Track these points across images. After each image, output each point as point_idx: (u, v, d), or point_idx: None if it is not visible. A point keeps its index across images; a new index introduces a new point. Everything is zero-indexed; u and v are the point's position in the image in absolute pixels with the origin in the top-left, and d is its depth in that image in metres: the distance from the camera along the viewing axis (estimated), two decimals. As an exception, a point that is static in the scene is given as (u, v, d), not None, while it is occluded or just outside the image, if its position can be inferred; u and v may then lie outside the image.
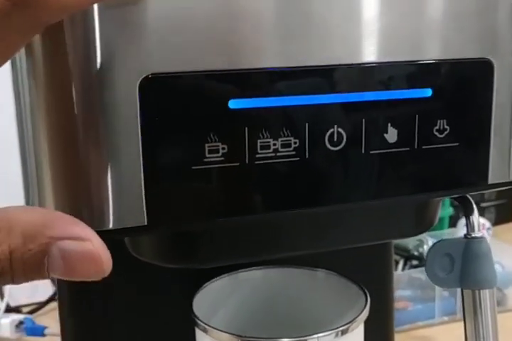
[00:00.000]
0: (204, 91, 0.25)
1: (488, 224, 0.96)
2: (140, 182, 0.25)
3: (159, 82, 0.24)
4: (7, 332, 0.61)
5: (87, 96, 0.24)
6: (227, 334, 0.33)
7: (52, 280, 0.73)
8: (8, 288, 0.68)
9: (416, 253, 0.80)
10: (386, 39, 0.28)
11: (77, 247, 0.18)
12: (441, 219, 0.96)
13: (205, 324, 0.34)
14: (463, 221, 0.99)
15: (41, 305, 0.71)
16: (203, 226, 0.27)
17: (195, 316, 0.35)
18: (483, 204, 1.09)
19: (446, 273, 0.36)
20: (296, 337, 0.33)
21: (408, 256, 0.80)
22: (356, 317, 0.34)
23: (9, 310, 0.67)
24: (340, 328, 0.34)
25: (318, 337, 0.33)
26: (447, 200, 0.98)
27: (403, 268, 0.79)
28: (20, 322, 0.62)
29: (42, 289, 0.73)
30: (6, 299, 0.66)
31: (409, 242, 0.81)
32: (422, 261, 0.79)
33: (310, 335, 0.33)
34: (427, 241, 0.82)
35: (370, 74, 0.28)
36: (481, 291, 0.35)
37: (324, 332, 0.33)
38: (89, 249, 0.18)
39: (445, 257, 0.36)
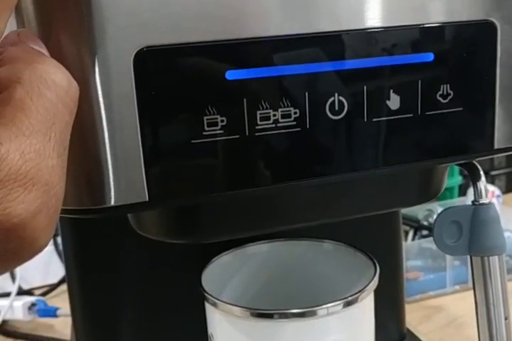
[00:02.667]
0: (200, 63, 0.25)
1: (498, 191, 0.95)
2: (139, 158, 0.24)
3: (154, 54, 0.24)
4: (20, 314, 0.61)
5: (81, 73, 0.24)
6: (237, 308, 0.33)
7: (63, 262, 0.74)
8: (19, 271, 0.68)
9: (425, 223, 0.80)
10: (387, 3, 0.27)
11: None
12: (450, 188, 0.95)
13: (215, 298, 0.34)
14: (472, 190, 0.98)
15: (53, 287, 0.71)
16: (204, 201, 0.27)
17: (204, 290, 0.35)
18: (493, 173, 1.08)
19: (454, 241, 0.35)
20: (306, 307, 0.33)
21: (418, 227, 0.79)
22: (365, 287, 0.34)
23: (21, 292, 0.67)
24: (350, 298, 0.34)
25: (327, 308, 0.33)
26: (456, 169, 0.97)
27: (413, 239, 0.78)
28: (33, 304, 0.62)
29: (53, 271, 0.73)
30: (17, 282, 0.66)
31: (419, 212, 0.81)
32: (431, 231, 0.78)
33: (319, 306, 0.33)
34: (437, 211, 0.82)
35: (370, 39, 0.27)
36: (490, 258, 0.35)
37: (334, 302, 0.33)
38: None
39: (453, 225, 0.35)
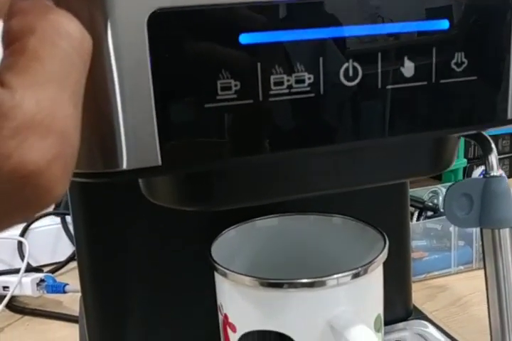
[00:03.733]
0: (214, 25, 0.24)
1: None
2: (152, 122, 0.24)
3: (168, 17, 0.23)
4: (28, 290, 0.62)
5: (93, 36, 0.23)
6: (247, 277, 0.33)
7: (72, 240, 0.74)
8: (28, 249, 0.68)
9: (430, 204, 0.80)
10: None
11: None
12: (455, 170, 0.95)
13: (225, 268, 0.34)
14: (477, 172, 0.98)
15: (61, 265, 0.72)
16: (217, 166, 0.27)
17: (214, 261, 0.35)
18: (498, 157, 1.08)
19: (465, 213, 0.35)
20: (315, 277, 0.33)
21: (423, 207, 0.79)
22: (375, 258, 0.34)
23: (30, 269, 0.68)
24: (360, 269, 0.34)
25: (337, 278, 0.33)
26: (461, 151, 0.97)
27: (418, 219, 0.78)
28: (41, 280, 0.62)
29: (62, 249, 0.74)
30: (26, 258, 0.67)
31: (424, 193, 0.81)
32: (436, 212, 0.79)
33: (329, 276, 0.33)
34: (442, 193, 0.82)
35: (386, 5, 0.27)
36: (501, 230, 0.35)
37: (343, 273, 0.33)
38: None
39: (463, 197, 0.35)
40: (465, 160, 0.97)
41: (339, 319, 0.33)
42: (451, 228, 0.70)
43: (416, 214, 0.80)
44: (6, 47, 0.17)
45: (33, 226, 0.74)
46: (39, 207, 0.16)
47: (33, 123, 0.15)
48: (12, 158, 0.15)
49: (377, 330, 0.37)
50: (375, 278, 0.36)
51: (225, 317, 0.37)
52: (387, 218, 0.46)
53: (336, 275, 0.33)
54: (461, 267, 0.72)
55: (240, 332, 0.36)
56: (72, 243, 0.74)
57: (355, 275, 0.34)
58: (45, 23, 0.17)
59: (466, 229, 0.70)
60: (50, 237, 0.74)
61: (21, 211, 0.16)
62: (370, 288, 0.36)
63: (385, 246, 0.36)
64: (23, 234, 0.72)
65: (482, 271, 0.69)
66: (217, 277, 0.36)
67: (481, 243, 0.69)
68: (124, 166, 0.24)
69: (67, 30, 0.17)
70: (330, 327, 0.33)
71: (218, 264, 0.35)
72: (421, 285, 0.68)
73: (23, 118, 0.15)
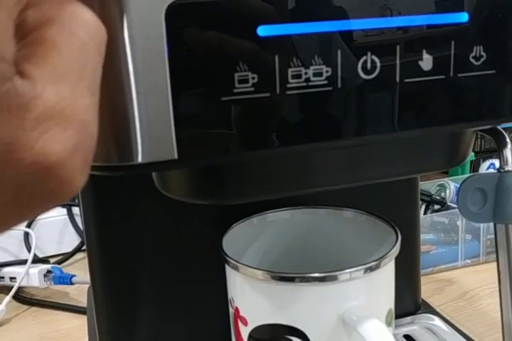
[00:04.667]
0: (231, 17, 0.24)
1: (510, 168, 0.94)
2: (169, 115, 0.24)
3: (186, 8, 0.23)
4: (36, 281, 0.62)
5: (109, 28, 0.23)
6: (259, 271, 0.33)
7: (78, 232, 0.74)
8: (34, 240, 0.68)
9: (438, 197, 0.79)
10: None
11: None
12: (462, 164, 0.95)
13: (236, 261, 0.34)
14: (484, 165, 0.98)
15: (68, 256, 0.72)
16: (232, 160, 0.27)
17: (226, 254, 0.35)
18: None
19: (478, 208, 0.35)
20: (328, 271, 0.33)
21: (430, 201, 0.79)
22: (388, 253, 0.34)
23: (37, 260, 0.68)
24: (372, 263, 0.33)
25: (349, 273, 0.33)
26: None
27: (425, 213, 0.78)
28: (48, 271, 0.62)
29: (68, 241, 0.74)
30: (33, 249, 0.67)
31: (431, 187, 0.81)
32: (444, 205, 0.78)
33: (341, 270, 0.33)
34: (449, 186, 0.81)
35: (404, -3, 0.26)
36: (515, 225, 0.35)
37: (355, 267, 0.33)
38: None
39: (477, 192, 0.35)
40: (472, 153, 0.97)
41: (351, 313, 0.33)
42: (459, 222, 0.70)
43: (423, 207, 0.80)
44: (21, 37, 0.16)
45: (39, 217, 0.73)
46: (60, 198, 0.16)
47: (54, 114, 0.15)
48: (34, 149, 0.15)
49: (388, 324, 0.37)
50: (387, 273, 0.36)
51: (236, 310, 0.37)
52: (397, 212, 0.45)
53: (348, 270, 0.33)
54: (468, 261, 0.72)
55: (251, 326, 0.36)
56: (79, 234, 0.74)
57: (368, 270, 0.34)
58: (62, 13, 0.17)
59: (474, 223, 0.69)
60: (56, 228, 0.74)
61: (43, 202, 0.16)
62: (383, 283, 0.36)
63: (397, 240, 0.36)
64: (29, 225, 0.72)
65: (489, 265, 0.69)
66: (229, 270, 0.36)
67: (488, 237, 0.69)
68: (140, 159, 0.24)
69: (85, 19, 0.17)
70: (342, 321, 0.33)
71: (230, 257, 0.35)
72: (428, 279, 0.68)
73: (44, 109, 0.15)
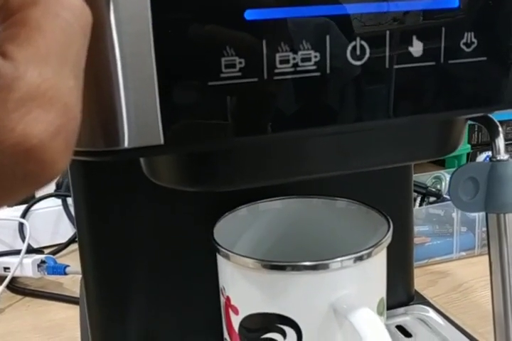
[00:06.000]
0: (219, 1, 0.24)
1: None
2: (155, 100, 0.24)
3: (171, -9, 0.23)
4: (29, 271, 0.62)
5: (95, 11, 0.23)
6: (250, 259, 0.33)
7: (73, 222, 0.74)
8: (29, 230, 0.68)
9: (433, 189, 0.79)
10: None
11: None
12: (459, 156, 0.95)
13: (227, 250, 0.34)
14: (481, 158, 0.98)
15: (62, 247, 0.72)
16: (220, 146, 0.27)
17: (217, 243, 0.35)
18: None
19: (470, 198, 0.35)
20: (319, 260, 0.32)
21: (426, 193, 0.79)
22: (379, 242, 0.34)
23: (31, 251, 0.68)
24: (363, 252, 0.33)
25: (340, 261, 0.33)
26: (465, 137, 0.96)
27: (420, 205, 0.78)
28: (42, 262, 0.62)
29: (62, 231, 0.74)
30: (27, 239, 0.67)
31: (427, 179, 0.81)
32: (439, 197, 0.78)
33: (333, 259, 0.32)
34: (445, 178, 0.81)
35: (394, -18, 0.26)
36: (506, 215, 0.35)
37: (347, 256, 0.33)
38: None
39: (469, 181, 0.35)
40: (469, 145, 0.96)
41: (342, 302, 0.33)
42: (454, 214, 0.70)
43: (419, 199, 0.80)
44: (4, 19, 0.16)
45: (34, 207, 0.73)
46: (42, 181, 0.16)
47: (37, 96, 0.15)
48: (15, 131, 0.15)
49: (380, 314, 0.37)
50: (378, 262, 0.36)
51: (228, 299, 0.36)
52: (391, 202, 0.45)
53: (339, 259, 0.33)
54: (463, 253, 0.72)
55: (242, 315, 0.35)
56: (73, 225, 0.74)
57: (359, 259, 0.33)
58: None
59: (469, 215, 0.69)
60: (51, 219, 0.74)
61: (24, 186, 0.16)
62: (374, 272, 0.36)
63: (389, 229, 0.36)
64: (24, 215, 0.72)
65: (484, 257, 0.69)
66: (220, 259, 0.36)
67: (483, 229, 0.69)
68: (126, 145, 0.24)
69: (69, 1, 0.17)
70: (333, 310, 0.33)
71: (221, 246, 0.35)
72: (422, 271, 0.68)
73: (26, 90, 0.15)
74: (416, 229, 0.71)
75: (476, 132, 0.98)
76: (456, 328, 0.47)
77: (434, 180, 0.82)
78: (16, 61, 0.15)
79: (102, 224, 0.40)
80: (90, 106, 0.24)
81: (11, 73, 0.15)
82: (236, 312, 0.36)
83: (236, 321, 0.36)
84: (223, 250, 0.34)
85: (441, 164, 0.97)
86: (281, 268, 0.33)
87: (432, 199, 0.80)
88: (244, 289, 0.35)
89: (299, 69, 0.25)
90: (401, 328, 0.48)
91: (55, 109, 0.15)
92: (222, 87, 0.24)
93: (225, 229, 0.38)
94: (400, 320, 0.49)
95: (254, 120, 0.25)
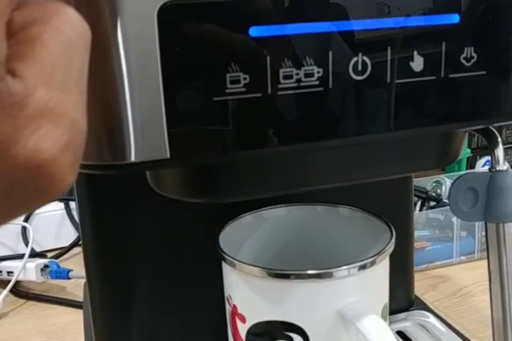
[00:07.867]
0: (224, 18, 0.24)
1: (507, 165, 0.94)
2: (161, 115, 0.24)
3: (178, 9, 0.23)
4: (33, 275, 0.62)
5: (102, 28, 0.23)
6: (255, 268, 0.33)
7: (75, 226, 0.74)
8: (32, 234, 0.69)
9: (433, 194, 0.79)
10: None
11: None
12: (459, 160, 0.95)
13: (233, 258, 0.34)
14: (481, 162, 0.98)
15: (65, 251, 0.72)
16: (225, 159, 0.27)
17: (222, 251, 0.35)
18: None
19: (469, 207, 0.35)
20: (323, 268, 0.33)
21: (426, 198, 0.79)
22: (383, 250, 0.34)
23: (34, 255, 0.68)
24: (367, 260, 0.34)
25: (344, 270, 0.33)
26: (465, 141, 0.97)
27: (421, 209, 0.78)
28: (46, 266, 0.63)
29: (65, 235, 0.74)
30: (30, 244, 0.67)
31: (427, 183, 0.81)
32: (439, 202, 0.79)
33: (337, 267, 0.33)
34: (445, 183, 0.81)
35: (396, -1, 0.26)
36: (505, 225, 0.35)
37: (351, 264, 0.33)
38: None
39: (469, 191, 0.35)
40: (469, 150, 0.97)
41: (349, 309, 0.33)
42: (454, 218, 0.70)
43: (419, 204, 0.80)
44: (10, 37, 0.17)
45: (37, 211, 0.74)
46: (52, 195, 0.16)
47: (46, 112, 0.15)
48: (27, 146, 0.15)
49: (384, 319, 0.37)
50: (381, 269, 0.36)
51: (234, 308, 0.37)
52: (391, 207, 0.46)
53: (343, 267, 0.33)
54: (463, 257, 0.72)
55: (249, 323, 0.36)
56: (76, 229, 0.74)
57: (363, 267, 0.34)
58: (48, 11, 0.17)
59: (468, 220, 0.69)
60: (53, 223, 0.74)
61: (36, 199, 0.16)
62: (377, 279, 0.36)
63: (392, 237, 0.36)
64: (27, 219, 0.72)
65: (484, 262, 0.69)
66: (225, 267, 0.36)
67: (483, 233, 0.69)
68: (133, 158, 0.24)
69: (69, 15, 0.17)
70: (340, 317, 0.34)
71: (226, 254, 0.35)
72: (422, 275, 0.68)
73: (36, 106, 0.15)
74: (416, 233, 0.71)
75: (476, 136, 0.99)
76: (457, 334, 0.48)
77: (434, 185, 0.83)
78: (25, 78, 0.15)
79: (106, 229, 0.41)
80: (97, 121, 0.24)
81: (22, 91, 0.15)
82: (243, 320, 0.36)
83: (243, 329, 0.36)
84: (229, 258, 0.35)
85: (442, 168, 0.97)
86: (285, 276, 0.33)
87: (432, 203, 0.80)
88: (250, 297, 0.35)
89: (302, 84, 0.26)
90: (401, 334, 0.48)
91: (63, 124, 0.16)
92: (227, 102, 0.25)
93: (229, 236, 0.38)
94: (400, 326, 0.49)
95: (259, 134, 0.26)
